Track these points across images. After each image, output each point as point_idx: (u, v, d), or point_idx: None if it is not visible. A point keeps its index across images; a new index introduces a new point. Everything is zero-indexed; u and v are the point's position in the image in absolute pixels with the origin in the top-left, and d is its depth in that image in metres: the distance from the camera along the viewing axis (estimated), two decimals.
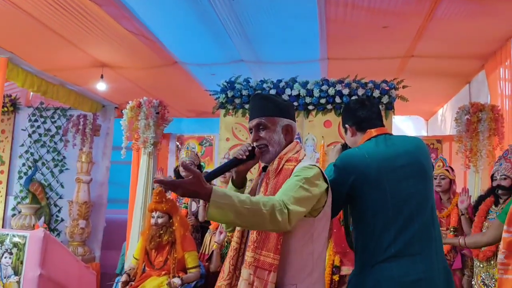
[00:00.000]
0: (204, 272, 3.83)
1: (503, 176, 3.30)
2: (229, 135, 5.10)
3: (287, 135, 1.94)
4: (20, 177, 6.43)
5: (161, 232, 3.69)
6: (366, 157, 2.00)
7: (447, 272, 2.02)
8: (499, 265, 2.39)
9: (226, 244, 3.81)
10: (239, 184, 2.02)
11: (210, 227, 4.26)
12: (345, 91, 4.82)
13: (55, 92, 5.49)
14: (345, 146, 2.32)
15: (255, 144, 1.95)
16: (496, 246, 3.06)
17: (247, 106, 5.01)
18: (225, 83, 5.12)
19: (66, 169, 6.39)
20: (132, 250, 4.40)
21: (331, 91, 4.85)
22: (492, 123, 4.77)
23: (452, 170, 4.24)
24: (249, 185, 2.12)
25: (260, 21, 5.04)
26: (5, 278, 3.92)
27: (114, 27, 5.17)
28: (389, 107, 4.87)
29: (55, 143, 6.45)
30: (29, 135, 6.48)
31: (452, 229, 3.98)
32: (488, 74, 5.74)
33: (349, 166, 2.01)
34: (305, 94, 4.93)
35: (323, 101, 4.91)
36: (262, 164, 2.00)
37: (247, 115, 4.90)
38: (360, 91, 4.82)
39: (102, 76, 6.61)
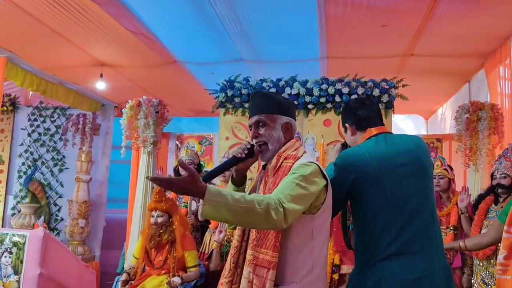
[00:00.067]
0: (204, 271, 3.83)
1: (503, 175, 3.31)
2: (229, 134, 5.10)
3: (286, 133, 1.94)
4: (20, 177, 6.42)
5: (161, 231, 3.69)
6: (366, 156, 2.00)
7: (448, 271, 2.02)
8: (498, 265, 2.39)
9: (225, 243, 3.81)
10: (239, 182, 2.02)
11: (210, 226, 4.26)
12: (345, 90, 4.82)
13: (55, 91, 5.49)
14: (345, 145, 2.32)
15: (254, 141, 1.95)
16: (496, 245, 3.06)
17: (246, 105, 5.01)
18: (224, 82, 5.12)
19: (66, 168, 6.38)
20: (132, 249, 4.40)
21: (331, 90, 4.85)
22: (492, 121, 4.77)
23: (451, 169, 4.24)
24: (249, 184, 2.12)
25: (259, 20, 5.04)
26: (5, 277, 3.92)
27: (113, 26, 5.16)
28: (389, 106, 4.87)
29: (55, 142, 6.44)
30: (29, 135, 6.47)
31: (452, 228, 3.98)
32: (487, 73, 5.74)
33: (349, 165, 2.01)
34: (304, 93, 4.92)
35: (322, 100, 4.91)
36: (263, 162, 2.00)
37: (247, 114, 4.92)
38: (360, 90, 4.82)
39: (101, 75, 6.61)
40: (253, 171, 4.33)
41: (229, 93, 5.05)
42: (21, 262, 3.90)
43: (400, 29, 5.08)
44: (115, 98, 6.86)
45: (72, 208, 5.95)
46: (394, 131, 2.68)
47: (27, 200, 6.32)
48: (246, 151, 1.92)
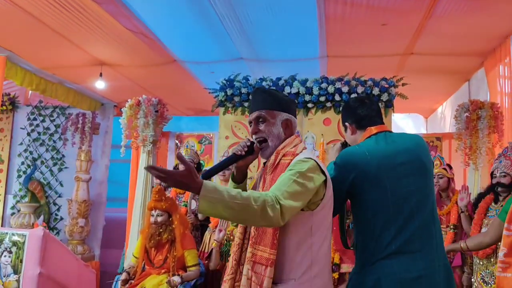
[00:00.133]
0: (204, 270, 3.83)
1: (503, 174, 3.30)
2: (229, 133, 5.10)
3: (286, 129, 1.93)
4: (19, 176, 6.42)
5: (161, 230, 3.69)
6: (367, 154, 2.00)
7: (448, 269, 2.02)
8: (499, 263, 2.39)
9: (225, 242, 3.81)
10: (239, 180, 2.01)
11: (210, 225, 4.27)
12: (345, 89, 4.82)
13: (54, 91, 5.48)
14: (344, 145, 2.32)
15: (254, 137, 1.94)
16: (496, 244, 3.06)
17: (246, 104, 5.01)
18: (224, 81, 5.11)
19: (65, 167, 6.38)
20: (132, 248, 4.40)
21: (331, 89, 4.84)
22: (492, 120, 4.77)
23: (450, 168, 4.24)
24: (249, 183, 2.12)
25: (259, 19, 5.03)
26: (4, 277, 3.92)
27: (113, 25, 5.16)
28: (389, 105, 4.86)
29: (54, 141, 6.44)
30: (28, 134, 6.47)
31: (452, 227, 3.98)
32: (487, 72, 5.73)
33: (349, 164, 2.01)
34: (304, 92, 4.92)
35: (322, 99, 4.90)
36: (263, 160, 1.99)
37: (247, 113, 4.93)
38: (360, 89, 4.81)
39: (101, 74, 6.60)
40: (253, 170, 4.32)
41: (229, 92, 5.04)
42: (21, 261, 3.90)
43: (400, 28, 5.07)
44: (114, 97, 6.85)
45: (71, 208, 5.95)
46: (394, 130, 2.68)
47: (26, 199, 6.32)
48: (246, 149, 1.91)
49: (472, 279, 3.50)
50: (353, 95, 4.76)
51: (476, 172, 4.78)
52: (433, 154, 5.48)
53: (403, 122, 9.77)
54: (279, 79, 5.04)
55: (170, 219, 3.74)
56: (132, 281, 3.74)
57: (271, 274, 1.71)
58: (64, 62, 6.31)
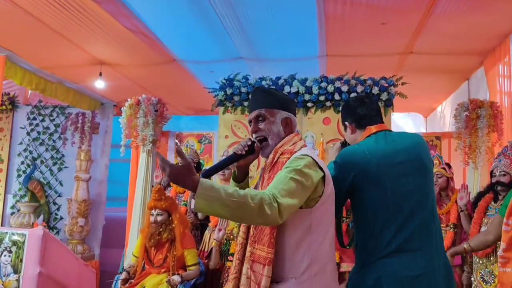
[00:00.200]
0: (204, 270, 3.83)
1: (502, 173, 3.31)
2: (228, 133, 5.10)
3: (286, 128, 1.92)
4: (19, 176, 6.42)
5: (161, 229, 3.69)
6: (366, 153, 2.00)
7: (448, 268, 2.03)
8: (499, 258, 2.41)
9: (225, 241, 3.81)
10: (240, 179, 2.01)
11: (210, 224, 4.27)
12: (344, 88, 4.82)
13: (54, 90, 5.48)
14: (344, 144, 2.33)
15: (254, 136, 1.94)
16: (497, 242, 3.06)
17: (246, 103, 5.01)
18: (224, 81, 5.11)
19: (65, 167, 6.37)
20: (132, 247, 4.40)
21: (330, 88, 4.84)
22: (491, 119, 4.77)
23: (449, 167, 4.24)
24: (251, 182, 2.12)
25: (259, 18, 5.03)
26: (4, 276, 3.92)
27: (112, 25, 5.16)
28: (388, 104, 4.86)
29: (54, 141, 6.44)
30: (28, 133, 6.47)
31: (451, 226, 3.98)
32: (487, 71, 5.74)
33: (349, 163, 2.01)
34: (304, 91, 4.92)
35: (322, 98, 4.90)
36: (264, 160, 1.99)
37: (246, 112, 4.93)
38: (359, 88, 4.81)
39: (100, 74, 6.60)
40: (253, 170, 4.32)
41: (229, 91, 5.04)
42: (21, 261, 3.90)
43: (400, 27, 5.07)
44: (114, 96, 6.85)
45: (71, 207, 5.95)
46: (394, 129, 2.68)
47: (26, 199, 6.31)
48: (246, 148, 1.90)
49: (472, 278, 3.50)
50: (352, 94, 4.76)
51: (475, 171, 4.78)
52: (432, 153, 5.47)
53: (403, 121, 9.77)
54: (278, 78, 5.03)
55: (170, 218, 3.74)
56: (132, 281, 3.74)
57: (269, 273, 1.70)
58: (63, 61, 6.31)
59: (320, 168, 1.77)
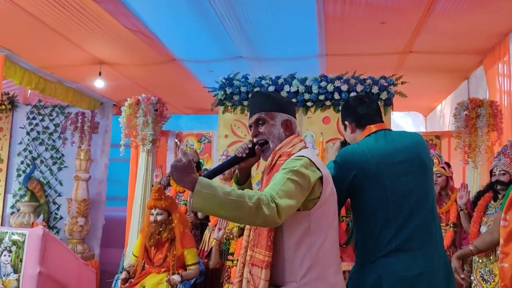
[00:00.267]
0: (204, 269, 3.84)
1: (502, 172, 3.30)
2: (228, 132, 5.09)
3: (286, 130, 1.91)
4: (19, 175, 6.42)
5: (161, 229, 3.69)
6: (366, 153, 2.00)
7: (448, 268, 2.03)
8: (499, 253, 2.42)
9: (225, 240, 3.81)
10: (242, 181, 2.01)
11: (210, 224, 4.27)
12: (344, 88, 4.82)
13: (53, 90, 5.48)
14: (344, 143, 2.32)
15: (255, 140, 1.93)
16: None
17: (245, 103, 5.00)
18: (223, 80, 5.11)
19: (65, 166, 6.38)
20: (132, 247, 4.40)
21: (330, 88, 4.84)
22: (491, 118, 4.77)
23: (449, 166, 4.24)
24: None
25: (258, 18, 5.03)
26: (4, 276, 3.92)
27: (112, 24, 5.15)
28: (388, 103, 4.86)
29: (54, 140, 6.44)
30: (27, 133, 6.47)
31: (451, 225, 3.99)
32: (486, 70, 5.74)
33: (349, 162, 2.01)
34: (303, 91, 4.92)
35: (321, 97, 4.90)
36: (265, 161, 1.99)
37: (246, 112, 4.93)
38: (359, 87, 4.81)
39: (100, 74, 6.60)
40: (252, 170, 4.31)
41: (228, 91, 5.04)
42: (21, 260, 3.90)
43: (399, 26, 5.07)
44: (113, 96, 6.85)
45: (71, 207, 5.95)
46: (393, 128, 2.68)
47: (26, 198, 6.32)
48: (247, 151, 1.90)
49: (472, 277, 3.50)
50: (352, 94, 4.76)
51: (475, 170, 4.78)
52: (432, 152, 5.47)
53: (403, 120, 9.77)
54: (278, 77, 5.03)
55: (170, 217, 3.75)
56: (132, 280, 3.74)
57: (267, 276, 1.68)
58: (63, 61, 6.31)
59: (318, 168, 1.75)
